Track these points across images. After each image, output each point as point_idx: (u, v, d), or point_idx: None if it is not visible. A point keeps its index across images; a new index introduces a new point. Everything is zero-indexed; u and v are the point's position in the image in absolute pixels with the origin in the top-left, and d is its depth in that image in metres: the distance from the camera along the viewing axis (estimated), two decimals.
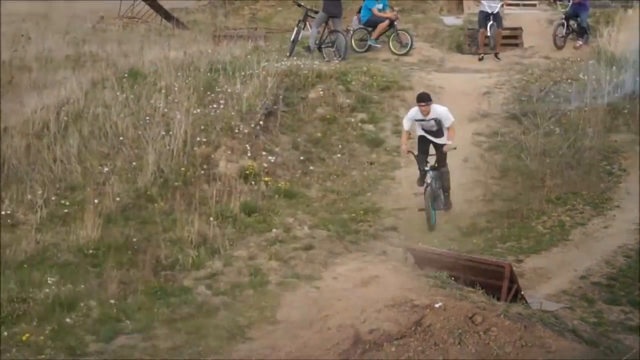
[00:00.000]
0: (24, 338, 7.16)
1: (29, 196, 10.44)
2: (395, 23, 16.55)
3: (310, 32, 16.13)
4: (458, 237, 11.28)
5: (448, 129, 9.26)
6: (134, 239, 9.62)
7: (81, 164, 11.32)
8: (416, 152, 9.62)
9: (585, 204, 13.14)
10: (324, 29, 15.98)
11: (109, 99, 12.98)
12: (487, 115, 13.21)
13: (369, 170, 12.06)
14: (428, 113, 8.98)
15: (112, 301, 8.11)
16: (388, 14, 16.47)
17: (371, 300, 5.84)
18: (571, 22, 16.61)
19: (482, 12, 16.31)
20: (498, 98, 14.05)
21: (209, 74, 13.86)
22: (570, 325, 5.72)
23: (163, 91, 12.96)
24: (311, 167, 12.09)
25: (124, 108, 12.53)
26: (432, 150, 10.43)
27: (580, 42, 16.23)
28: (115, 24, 23.62)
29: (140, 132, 11.86)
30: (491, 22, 16.32)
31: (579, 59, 15.30)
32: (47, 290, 8.16)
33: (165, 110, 12.40)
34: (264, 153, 11.85)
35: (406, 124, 9.39)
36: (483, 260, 8.27)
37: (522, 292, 7.73)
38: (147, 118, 12.27)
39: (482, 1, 16.44)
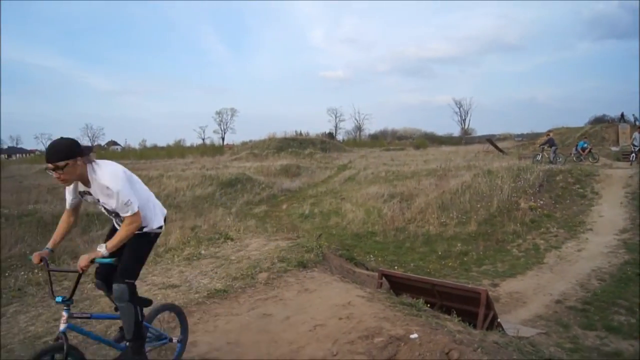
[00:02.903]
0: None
1: (452, 214, 16.97)
2: (592, 150, 24.29)
3: (551, 155, 24.15)
4: None
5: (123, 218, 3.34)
6: (488, 231, 15.49)
7: (469, 203, 17.29)
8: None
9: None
10: (554, 152, 23.91)
11: (480, 181, 19.06)
12: (631, 185, 17.50)
13: (579, 207, 16.39)
14: (67, 182, 3.24)
15: (481, 253, 13.91)
16: (588, 147, 24.48)
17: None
18: None
19: (633, 144, 22.37)
20: (636, 178, 18.23)
21: (515, 170, 19.69)
22: (546, 352, 5.02)
23: (499, 177, 18.80)
24: (557, 205, 16.71)
25: (483, 184, 18.66)
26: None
27: None
28: (482, 154, 32.72)
29: (490, 192, 17.66)
30: (636, 148, 21.95)
31: None
32: (457, 248, 14.39)
33: (499, 183, 18.11)
34: (537, 200, 16.95)
35: (68, 198, 3.49)
36: (459, 287, 7.39)
37: (499, 320, 6.95)
38: (492, 186, 18.16)
39: (633, 142, 22.41)
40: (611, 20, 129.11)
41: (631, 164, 22.50)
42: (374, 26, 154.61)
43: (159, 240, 9.37)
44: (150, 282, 6.77)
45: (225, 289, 6.31)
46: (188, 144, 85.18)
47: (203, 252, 8.48)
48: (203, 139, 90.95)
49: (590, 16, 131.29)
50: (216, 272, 7.06)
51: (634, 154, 23.16)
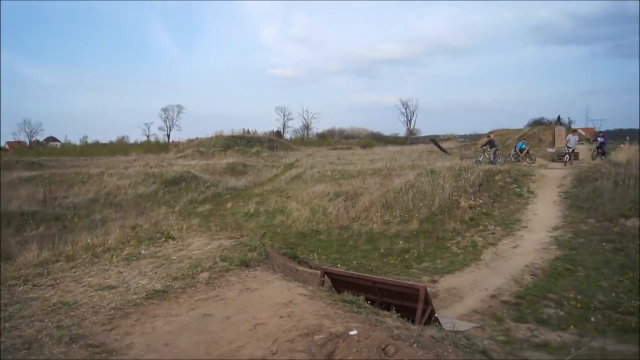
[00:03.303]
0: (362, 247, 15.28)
1: (396, 213, 17.31)
2: (530, 151, 25.22)
3: (491, 155, 24.64)
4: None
5: None
6: (429, 229, 15.78)
7: (412, 202, 17.71)
8: None
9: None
10: (494, 153, 24.60)
11: (423, 180, 19.45)
12: (564, 185, 18.17)
13: (516, 205, 16.90)
14: None
15: (422, 250, 14.35)
16: (526, 148, 25.45)
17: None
18: (599, 149, 24.18)
19: (567, 146, 23.81)
20: (569, 178, 18.96)
21: (457, 170, 20.17)
22: (480, 345, 5.16)
23: (441, 176, 19.32)
24: (495, 204, 17.21)
25: (426, 183, 19.04)
26: None
27: (603, 157, 22.91)
28: (426, 154, 33.33)
29: (432, 191, 18.16)
30: (570, 150, 23.41)
31: (602, 164, 20.42)
32: (399, 246, 14.79)
33: (441, 182, 18.54)
34: (477, 199, 17.42)
35: None
36: (399, 284, 7.55)
37: (436, 315, 7.11)
38: (435, 185, 18.59)
39: (567, 144, 23.88)
40: (553, 26, 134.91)
41: (565, 165, 23.65)
42: (325, 26, 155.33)
43: (97, 241, 9.30)
44: (86, 284, 6.55)
45: (164, 290, 6.17)
46: (132, 140, 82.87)
47: (143, 251, 8.30)
48: (148, 136, 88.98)
49: (535, 22, 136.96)
50: (156, 272, 6.93)
51: (568, 156, 24.42)
